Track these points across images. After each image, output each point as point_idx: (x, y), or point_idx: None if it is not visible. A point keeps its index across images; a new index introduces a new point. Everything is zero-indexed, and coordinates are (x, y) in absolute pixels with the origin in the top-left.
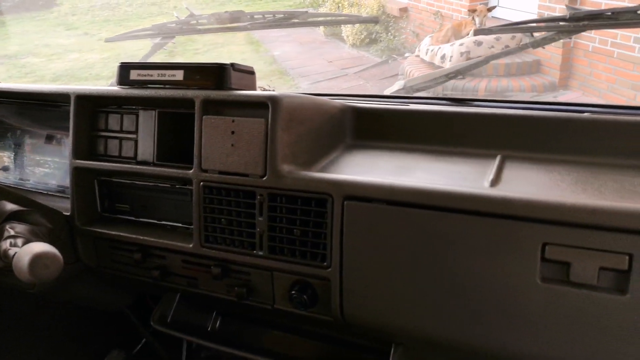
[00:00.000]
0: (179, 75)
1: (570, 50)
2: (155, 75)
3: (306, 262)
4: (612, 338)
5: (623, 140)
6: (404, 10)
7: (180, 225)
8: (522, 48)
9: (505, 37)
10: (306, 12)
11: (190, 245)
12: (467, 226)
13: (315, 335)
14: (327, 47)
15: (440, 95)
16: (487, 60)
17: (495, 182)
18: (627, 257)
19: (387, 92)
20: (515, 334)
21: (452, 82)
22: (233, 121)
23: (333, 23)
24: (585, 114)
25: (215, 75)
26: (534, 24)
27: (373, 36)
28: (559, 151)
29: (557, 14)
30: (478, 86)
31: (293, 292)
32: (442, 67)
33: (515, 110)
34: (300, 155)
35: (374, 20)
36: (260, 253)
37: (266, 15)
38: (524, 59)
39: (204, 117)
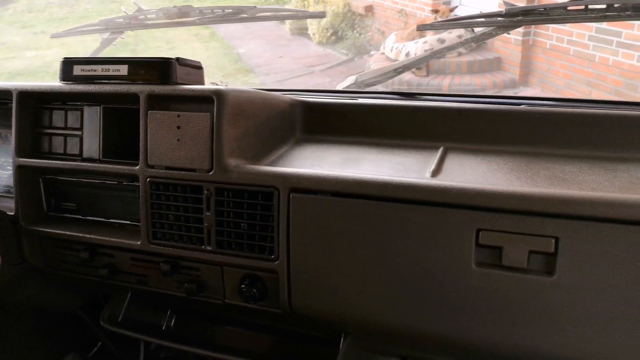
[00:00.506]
0: (123, 70)
1: (529, 47)
2: (99, 70)
3: (254, 255)
4: (541, 317)
5: (555, 130)
6: (369, 8)
7: (128, 222)
8: (463, 43)
9: (467, 35)
10: (254, 7)
11: (138, 243)
12: (409, 215)
13: (269, 329)
14: (294, 44)
15: (391, 90)
16: (431, 56)
17: (436, 172)
18: (553, 240)
19: (339, 87)
20: (453, 317)
21: (417, 79)
22: (178, 116)
23: (281, 18)
24: (522, 106)
25: (160, 69)
26: (474, 20)
27: (339, 34)
28: (498, 142)
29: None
30: (442, 83)
31: (243, 286)
32: None
33: (457, 103)
34: (248, 149)
35: (321, 15)
36: (209, 248)
37: (215, 10)
38: (486, 56)
39: (149, 112)
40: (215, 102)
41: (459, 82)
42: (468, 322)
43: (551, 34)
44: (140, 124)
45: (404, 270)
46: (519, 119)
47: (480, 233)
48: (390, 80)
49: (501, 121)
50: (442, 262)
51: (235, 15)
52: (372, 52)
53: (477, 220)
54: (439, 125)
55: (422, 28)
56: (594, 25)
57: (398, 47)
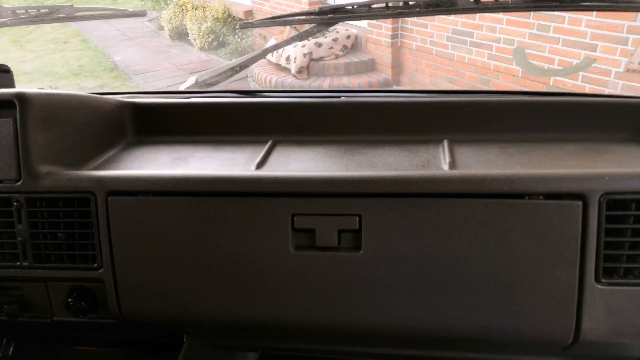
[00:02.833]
0: None
1: (398, 49)
2: None
3: (77, 266)
4: (353, 291)
5: (370, 119)
6: (249, 13)
7: None
8: (288, 42)
9: (342, 38)
10: (71, 6)
11: None
12: (230, 207)
13: (113, 342)
14: (175, 50)
15: (236, 89)
16: (264, 53)
17: (261, 164)
18: (357, 218)
19: (181, 88)
20: (279, 302)
21: (299, 81)
22: None
23: (99, 18)
24: (342, 98)
25: None
26: (291, 17)
27: (221, 39)
28: (321, 132)
29: None
30: (322, 84)
31: (70, 300)
32: (288, 68)
33: (286, 99)
34: (66, 155)
35: (142, 14)
36: (25, 263)
37: (29, 11)
38: (361, 58)
39: None
40: (17, 107)
41: (338, 84)
42: (293, 305)
43: (416, 35)
44: None
45: (229, 262)
46: (339, 110)
47: (295, 218)
48: (272, 82)
49: (324, 113)
50: (264, 249)
51: (50, 15)
52: None
53: (292, 205)
54: (269, 120)
55: (244, 26)
56: (451, 27)
57: (279, 51)
